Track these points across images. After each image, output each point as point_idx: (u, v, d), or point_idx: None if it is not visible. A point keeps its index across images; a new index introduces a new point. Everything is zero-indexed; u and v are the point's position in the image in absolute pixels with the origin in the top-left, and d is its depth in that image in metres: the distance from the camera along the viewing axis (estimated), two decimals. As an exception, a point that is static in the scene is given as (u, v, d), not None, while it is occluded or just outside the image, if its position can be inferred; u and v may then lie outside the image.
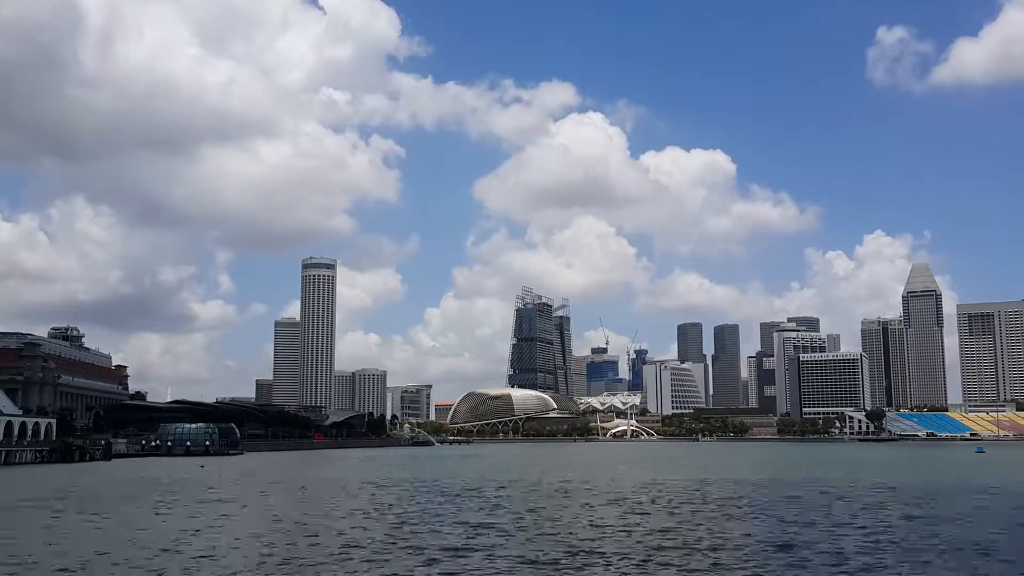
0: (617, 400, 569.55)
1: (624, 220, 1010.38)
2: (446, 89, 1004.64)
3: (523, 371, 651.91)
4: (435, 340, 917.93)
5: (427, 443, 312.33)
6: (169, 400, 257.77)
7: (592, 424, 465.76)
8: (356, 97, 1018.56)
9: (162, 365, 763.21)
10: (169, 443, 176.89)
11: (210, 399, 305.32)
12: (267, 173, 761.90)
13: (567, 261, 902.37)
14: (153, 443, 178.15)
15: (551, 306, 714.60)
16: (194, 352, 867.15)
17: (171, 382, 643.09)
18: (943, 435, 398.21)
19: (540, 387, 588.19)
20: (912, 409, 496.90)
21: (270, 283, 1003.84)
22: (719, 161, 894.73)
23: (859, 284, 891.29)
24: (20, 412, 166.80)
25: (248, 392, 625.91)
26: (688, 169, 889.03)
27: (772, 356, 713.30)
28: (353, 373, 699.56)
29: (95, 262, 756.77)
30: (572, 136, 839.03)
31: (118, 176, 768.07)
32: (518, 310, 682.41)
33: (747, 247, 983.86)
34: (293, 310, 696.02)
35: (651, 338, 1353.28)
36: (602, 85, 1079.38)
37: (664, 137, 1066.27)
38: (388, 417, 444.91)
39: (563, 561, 31.98)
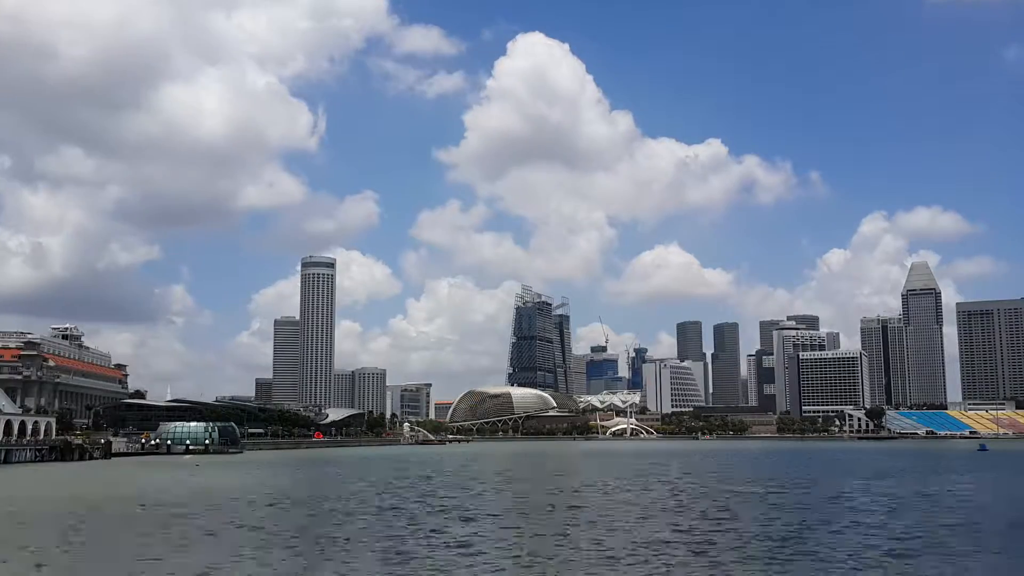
0: (617, 398, 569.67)
1: (598, 188, 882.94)
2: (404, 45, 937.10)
3: (523, 369, 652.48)
4: (415, 330, 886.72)
5: (428, 442, 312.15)
6: (168, 399, 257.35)
7: (592, 422, 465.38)
8: (298, 53, 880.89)
9: (131, 360, 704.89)
10: (169, 442, 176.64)
11: (206, 397, 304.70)
12: (196, 126, 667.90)
13: (537, 243, 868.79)
14: (153, 442, 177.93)
15: (551, 304, 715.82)
16: (165, 346, 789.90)
17: (144, 378, 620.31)
18: (942, 433, 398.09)
19: (540, 385, 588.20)
20: (911, 407, 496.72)
21: (224, 264, 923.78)
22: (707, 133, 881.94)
23: (857, 270, 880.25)
24: (19, 411, 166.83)
25: (248, 391, 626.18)
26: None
27: (772, 354, 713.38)
28: (353, 372, 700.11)
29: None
30: (536, 87, 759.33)
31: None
32: (518, 308, 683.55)
33: (738, 222, 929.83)
34: (263, 297, 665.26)
35: (640, 328, 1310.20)
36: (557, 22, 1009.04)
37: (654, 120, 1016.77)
38: (388, 416, 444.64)
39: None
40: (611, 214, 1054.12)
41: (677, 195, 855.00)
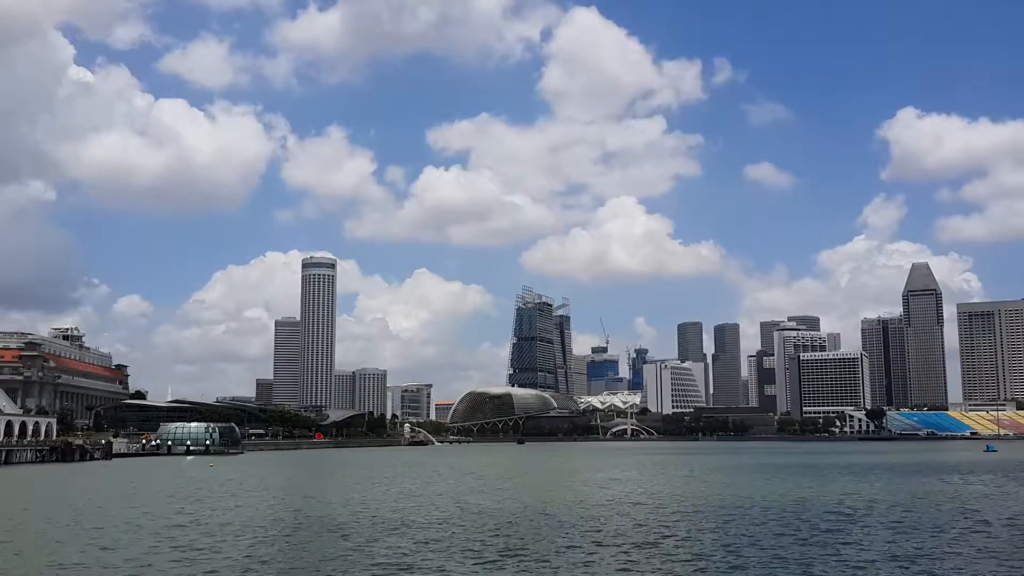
0: (617, 399, 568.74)
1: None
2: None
3: (523, 370, 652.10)
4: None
5: (427, 442, 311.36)
6: (169, 400, 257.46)
7: (592, 423, 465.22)
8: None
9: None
10: (170, 443, 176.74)
11: (206, 398, 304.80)
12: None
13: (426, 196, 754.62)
14: (153, 443, 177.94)
15: (551, 305, 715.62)
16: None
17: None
18: (943, 434, 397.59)
19: (540, 386, 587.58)
20: (912, 408, 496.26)
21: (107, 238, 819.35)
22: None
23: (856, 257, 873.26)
24: (20, 411, 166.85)
25: (248, 391, 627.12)
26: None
27: (772, 355, 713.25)
28: (353, 372, 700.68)
29: None
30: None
31: None
32: (518, 309, 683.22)
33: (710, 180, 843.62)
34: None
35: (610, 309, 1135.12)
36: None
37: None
38: (388, 416, 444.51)
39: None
40: (545, 163, 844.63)
41: (634, 137, 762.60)
